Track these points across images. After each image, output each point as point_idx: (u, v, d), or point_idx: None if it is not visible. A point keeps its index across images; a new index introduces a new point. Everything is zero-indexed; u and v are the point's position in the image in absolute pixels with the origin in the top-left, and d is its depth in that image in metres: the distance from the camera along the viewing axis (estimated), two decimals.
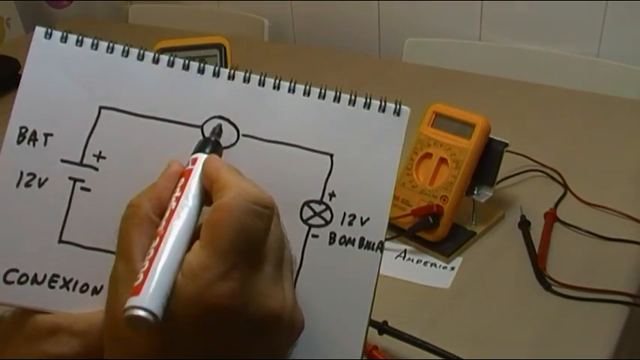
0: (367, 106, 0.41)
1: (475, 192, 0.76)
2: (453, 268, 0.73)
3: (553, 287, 0.68)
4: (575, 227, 0.77)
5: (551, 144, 0.97)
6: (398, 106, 0.41)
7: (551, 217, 0.78)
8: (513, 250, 0.75)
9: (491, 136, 0.75)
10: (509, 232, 0.78)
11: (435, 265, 0.73)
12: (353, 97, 0.40)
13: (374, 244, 0.40)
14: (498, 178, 0.76)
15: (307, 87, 0.40)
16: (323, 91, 0.40)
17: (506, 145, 0.75)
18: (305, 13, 1.66)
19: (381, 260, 0.40)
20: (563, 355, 0.60)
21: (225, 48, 0.95)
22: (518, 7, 1.37)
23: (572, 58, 1.29)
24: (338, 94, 0.40)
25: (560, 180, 0.86)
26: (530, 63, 1.32)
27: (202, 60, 1.07)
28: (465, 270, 0.72)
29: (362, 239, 0.40)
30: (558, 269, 0.70)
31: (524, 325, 0.64)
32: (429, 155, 0.76)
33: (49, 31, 0.39)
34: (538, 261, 0.71)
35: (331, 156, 0.40)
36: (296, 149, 0.40)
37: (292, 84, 0.40)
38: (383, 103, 0.41)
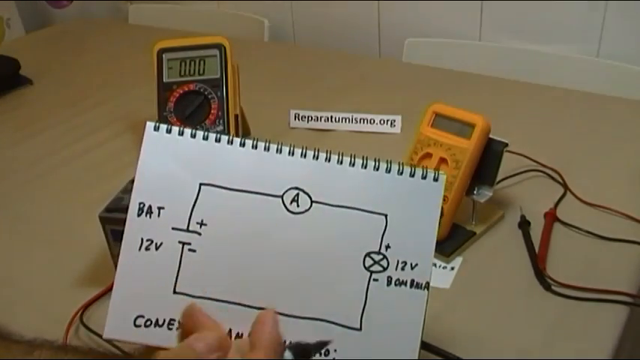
0: (412, 174, 0.49)
1: (475, 192, 0.76)
2: (452, 268, 0.73)
3: (553, 287, 0.68)
4: (575, 227, 0.77)
5: (551, 144, 0.97)
6: (436, 175, 0.50)
7: (551, 217, 0.78)
8: (513, 250, 0.75)
9: (491, 136, 0.75)
10: (509, 232, 0.78)
11: (435, 265, 0.73)
12: (401, 168, 0.49)
13: (422, 284, 0.49)
14: (498, 178, 0.76)
15: (364, 161, 0.49)
16: (377, 164, 0.49)
17: (506, 145, 0.75)
18: (305, 13, 1.66)
19: (428, 296, 0.49)
20: (562, 355, 0.60)
21: (225, 48, 0.95)
22: (518, 7, 1.37)
23: (572, 58, 1.29)
24: (389, 165, 0.49)
25: (560, 180, 0.86)
26: (530, 63, 1.32)
27: (202, 60, 1.06)
28: (465, 270, 0.72)
29: (412, 281, 0.49)
30: (558, 269, 0.70)
31: (524, 325, 0.64)
32: (428, 155, 0.76)
33: (157, 125, 0.49)
34: (538, 261, 0.71)
35: (385, 216, 0.49)
36: (357, 211, 0.49)
37: (352, 159, 0.49)
38: (424, 172, 0.49)
